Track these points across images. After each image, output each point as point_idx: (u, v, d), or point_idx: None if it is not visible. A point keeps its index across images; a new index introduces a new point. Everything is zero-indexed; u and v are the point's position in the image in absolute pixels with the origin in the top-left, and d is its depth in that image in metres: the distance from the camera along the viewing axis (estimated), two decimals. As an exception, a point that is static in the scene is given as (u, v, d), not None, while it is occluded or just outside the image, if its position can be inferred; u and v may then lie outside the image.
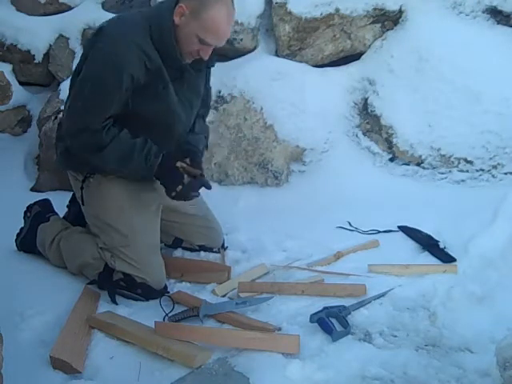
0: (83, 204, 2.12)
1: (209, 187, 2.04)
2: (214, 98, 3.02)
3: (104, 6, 3.49)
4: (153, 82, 1.92)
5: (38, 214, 2.35)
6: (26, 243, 2.35)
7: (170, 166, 1.98)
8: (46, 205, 2.40)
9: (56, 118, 3.08)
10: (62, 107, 2.82)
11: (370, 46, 3.27)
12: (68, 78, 3.02)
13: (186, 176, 1.99)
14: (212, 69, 2.27)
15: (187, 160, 2.03)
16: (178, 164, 1.99)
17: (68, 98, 2.02)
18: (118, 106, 1.90)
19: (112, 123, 1.93)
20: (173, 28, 1.89)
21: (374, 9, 3.20)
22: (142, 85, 1.90)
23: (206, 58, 1.97)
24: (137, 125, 1.95)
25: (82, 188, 2.08)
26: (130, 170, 1.98)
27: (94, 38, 1.93)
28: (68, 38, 3.43)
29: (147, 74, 1.90)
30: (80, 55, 2.02)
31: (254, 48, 3.29)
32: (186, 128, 2.13)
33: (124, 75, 1.85)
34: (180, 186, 1.96)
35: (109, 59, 1.86)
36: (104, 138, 1.89)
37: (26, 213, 2.39)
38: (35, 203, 2.40)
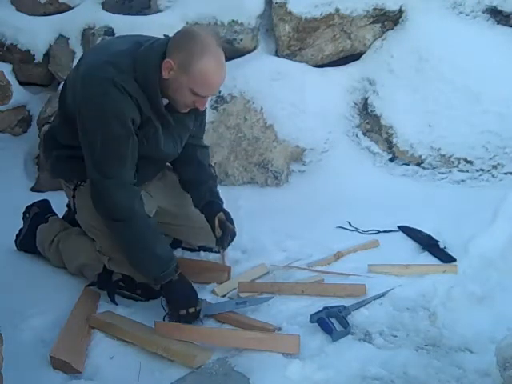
0: (75, 212, 2.09)
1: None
2: (214, 97, 3.02)
3: (104, 6, 3.48)
4: (144, 128, 1.89)
5: (37, 214, 2.35)
6: (26, 244, 2.35)
7: (187, 282, 1.94)
8: (44, 205, 2.39)
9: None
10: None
11: (370, 46, 3.28)
12: (68, 78, 3.01)
13: (219, 229, 2.10)
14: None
15: (221, 214, 2.11)
16: (219, 216, 2.11)
17: (59, 114, 2.01)
18: (133, 152, 1.85)
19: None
20: (159, 82, 1.81)
21: (374, 9, 3.20)
22: (136, 129, 1.88)
23: (203, 108, 1.91)
24: None
25: (73, 196, 2.06)
26: (138, 259, 1.91)
27: (81, 81, 1.81)
28: (68, 38, 3.42)
29: (141, 120, 1.86)
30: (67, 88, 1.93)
31: (254, 48, 3.28)
32: (172, 158, 2.13)
33: (128, 121, 1.80)
34: (193, 309, 1.86)
35: (108, 109, 1.77)
36: (131, 198, 1.84)
37: (24, 214, 2.39)
38: (34, 204, 2.39)
